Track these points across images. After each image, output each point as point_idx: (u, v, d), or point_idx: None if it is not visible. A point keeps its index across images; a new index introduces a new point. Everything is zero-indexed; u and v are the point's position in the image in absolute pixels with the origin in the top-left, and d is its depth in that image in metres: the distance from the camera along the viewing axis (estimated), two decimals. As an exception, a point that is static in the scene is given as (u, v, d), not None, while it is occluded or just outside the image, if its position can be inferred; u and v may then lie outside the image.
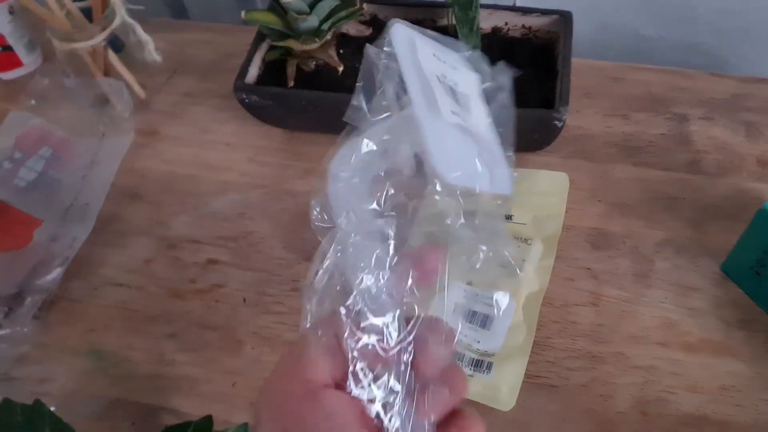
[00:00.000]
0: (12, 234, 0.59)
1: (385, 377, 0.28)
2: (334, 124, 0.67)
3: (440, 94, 0.30)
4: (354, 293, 0.29)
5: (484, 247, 0.31)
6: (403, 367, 0.28)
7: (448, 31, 0.65)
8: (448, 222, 0.30)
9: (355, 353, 0.28)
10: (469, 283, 0.54)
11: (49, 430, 0.44)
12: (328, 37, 0.61)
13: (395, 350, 0.28)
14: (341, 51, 0.65)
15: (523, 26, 0.66)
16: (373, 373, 0.28)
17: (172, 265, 0.59)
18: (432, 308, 0.30)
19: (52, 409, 0.44)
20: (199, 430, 0.43)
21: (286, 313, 0.55)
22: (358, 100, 0.31)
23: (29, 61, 0.74)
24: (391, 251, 0.30)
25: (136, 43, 0.68)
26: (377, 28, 0.67)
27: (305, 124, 0.65)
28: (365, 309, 0.28)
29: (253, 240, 0.60)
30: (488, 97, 0.33)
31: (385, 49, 0.30)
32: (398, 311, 0.29)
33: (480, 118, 0.32)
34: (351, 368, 0.28)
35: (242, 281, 0.58)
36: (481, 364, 0.51)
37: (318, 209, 0.32)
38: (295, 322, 0.55)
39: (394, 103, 0.30)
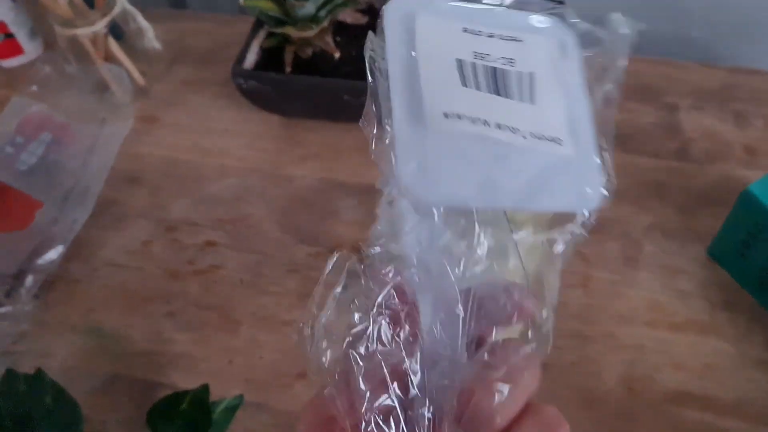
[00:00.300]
0: (13, 215, 0.60)
1: None
2: (331, 110, 0.69)
3: (439, 90, 0.25)
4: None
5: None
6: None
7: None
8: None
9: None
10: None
11: (50, 398, 0.45)
12: (325, 24, 0.63)
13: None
14: (338, 38, 0.66)
15: (517, 15, 0.67)
16: None
17: (171, 246, 0.60)
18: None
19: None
20: (196, 398, 0.45)
21: (282, 294, 0.57)
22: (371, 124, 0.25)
23: (30, 48, 0.75)
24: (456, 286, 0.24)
25: (136, 31, 0.69)
26: (374, 16, 0.68)
27: (302, 110, 0.66)
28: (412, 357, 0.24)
29: (250, 223, 0.61)
30: (590, 72, 0.27)
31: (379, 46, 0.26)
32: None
33: (553, 106, 0.26)
34: None
35: (239, 263, 0.59)
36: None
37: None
38: (290, 302, 0.56)
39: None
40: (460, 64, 0.25)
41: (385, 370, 0.23)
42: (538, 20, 0.27)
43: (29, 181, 0.63)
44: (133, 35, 0.69)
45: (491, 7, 0.28)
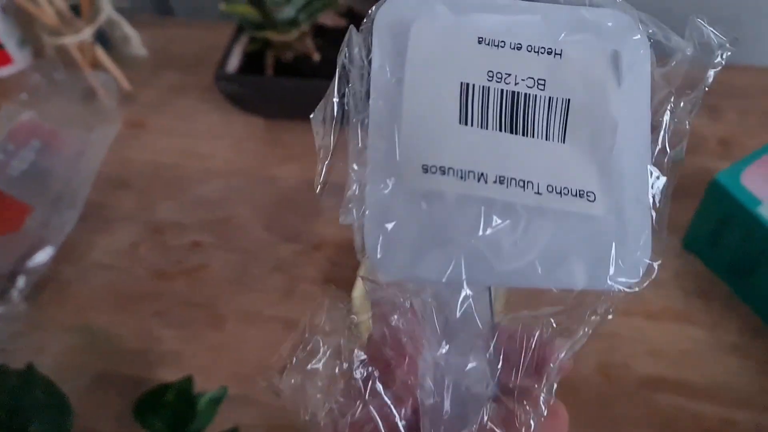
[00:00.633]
0: (5, 219, 0.62)
1: None
2: (312, 111, 0.71)
3: (424, 131, 0.19)
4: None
5: None
6: None
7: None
8: None
9: None
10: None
11: (41, 391, 0.47)
12: (305, 27, 0.64)
13: None
14: (318, 41, 0.68)
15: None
16: None
17: (158, 247, 0.62)
18: None
19: (43, 376, 0.47)
20: (181, 389, 0.46)
21: (267, 291, 0.58)
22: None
23: (20, 58, 0.77)
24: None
25: (122, 38, 0.70)
26: (353, 19, 0.70)
27: (284, 111, 0.68)
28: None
29: (235, 223, 0.63)
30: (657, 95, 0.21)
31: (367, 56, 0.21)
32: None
33: (589, 146, 0.19)
34: None
35: (225, 262, 0.60)
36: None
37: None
38: (274, 299, 0.57)
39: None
40: (466, 90, 0.20)
41: (380, 424, 0.21)
42: (597, 16, 0.20)
43: (20, 186, 0.64)
44: (120, 42, 0.71)
45: (525, 3, 0.21)
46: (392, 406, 0.21)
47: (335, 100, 0.22)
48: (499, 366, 0.22)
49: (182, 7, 0.93)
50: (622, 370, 0.51)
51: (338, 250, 0.60)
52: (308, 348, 0.24)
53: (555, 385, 0.23)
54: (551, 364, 0.22)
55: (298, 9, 0.62)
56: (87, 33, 0.66)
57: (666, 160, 0.22)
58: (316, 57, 0.66)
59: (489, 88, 0.20)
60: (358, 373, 0.22)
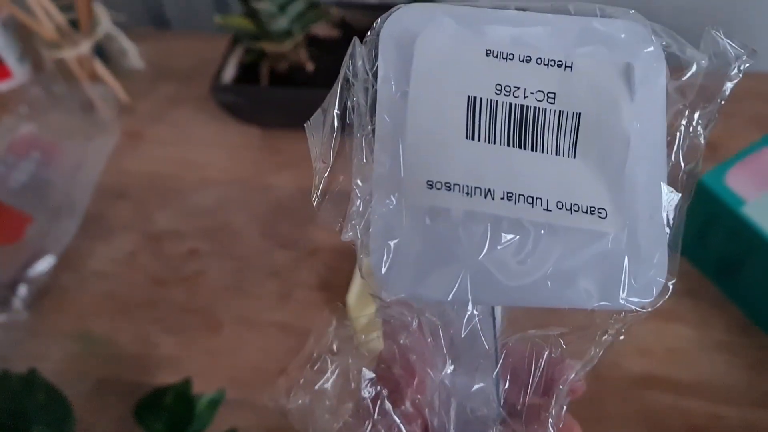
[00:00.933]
0: (6, 229, 0.63)
1: None
2: (305, 120, 0.72)
3: (428, 146, 0.19)
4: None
5: None
6: None
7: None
8: None
9: None
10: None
11: (43, 395, 0.48)
12: (299, 38, 0.66)
13: None
14: (311, 52, 0.69)
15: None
16: None
17: (156, 255, 0.63)
18: None
19: (44, 381, 0.48)
20: (179, 391, 0.47)
21: (263, 296, 0.59)
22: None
23: (19, 72, 0.78)
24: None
25: (120, 51, 0.72)
26: (346, 30, 0.72)
27: (279, 121, 0.69)
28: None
29: (231, 230, 0.64)
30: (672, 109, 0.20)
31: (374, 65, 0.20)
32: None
33: (602, 161, 0.19)
34: None
35: (222, 268, 0.61)
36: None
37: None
38: (270, 304, 0.58)
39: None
40: (473, 104, 0.19)
41: None
42: (610, 28, 0.20)
43: (20, 197, 0.66)
44: (117, 55, 0.72)
45: (534, 15, 0.20)
46: (401, 426, 0.21)
47: (336, 112, 0.22)
48: (506, 387, 0.21)
49: (178, 20, 0.95)
50: (612, 369, 0.53)
51: (333, 256, 0.61)
52: (316, 368, 0.23)
53: (565, 408, 0.22)
54: (560, 386, 0.22)
55: (292, 20, 0.64)
56: (85, 47, 0.67)
57: (680, 175, 0.21)
58: (310, 67, 0.67)
59: (497, 101, 0.19)
60: (367, 392, 0.21)
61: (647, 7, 0.90)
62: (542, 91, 0.19)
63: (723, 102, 0.21)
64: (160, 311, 0.59)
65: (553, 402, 0.22)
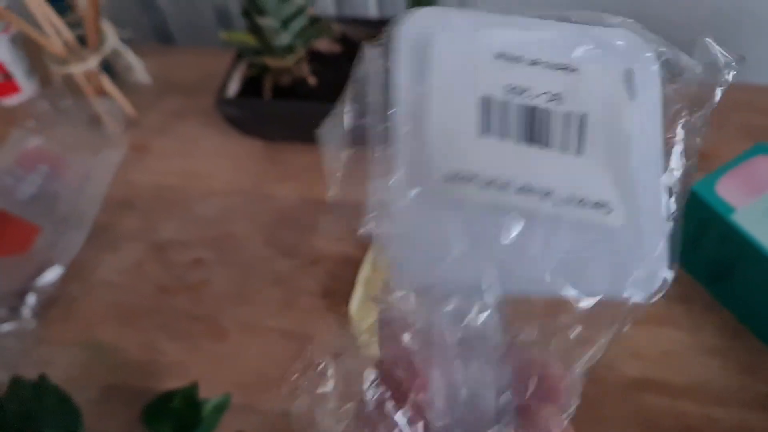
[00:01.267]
0: (14, 240, 0.64)
1: None
2: (308, 132, 0.74)
3: (446, 142, 0.20)
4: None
5: None
6: None
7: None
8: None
9: None
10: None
11: (53, 400, 0.49)
12: (301, 53, 0.68)
13: None
14: (313, 66, 0.71)
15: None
16: None
17: (162, 265, 0.64)
18: None
19: (54, 386, 0.49)
20: (186, 395, 0.48)
21: (266, 303, 0.60)
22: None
23: (27, 87, 0.80)
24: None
25: (126, 67, 0.74)
26: (347, 45, 0.74)
27: (282, 133, 0.71)
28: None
29: (235, 240, 0.65)
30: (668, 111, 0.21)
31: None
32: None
33: (607, 159, 0.20)
34: None
35: (226, 277, 0.63)
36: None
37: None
38: (274, 312, 0.60)
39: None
40: (487, 103, 0.20)
41: None
42: (610, 36, 0.21)
43: (29, 208, 0.67)
44: (124, 70, 0.74)
45: (540, 21, 0.22)
46: (403, 428, 0.21)
47: (347, 111, 0.23)
48: (512, 384, 0.22)
49: (182, 36, 0.97)
50: (608, 372, 0.54)
51: (335, 265, 0.62)
52: (317, 371, 0.23)
53: (572, 409, 0.23)
54: (564, 388, 0.22)
55: (295, 36, 0.66)
56: (93, 62, 0.69)
57: (678, 173, 0.22)
58: (312, 81, 0.69)
59: (507, 102, 0.20)
60: (369, 394, 0.21)
61: (641, 22, 0.93)
62: (549, 93, 0.21)
63: (714, 107, 0.23)
64: (166, 319, 0.60)
65: (558, 403, 0.23)
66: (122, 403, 0.56)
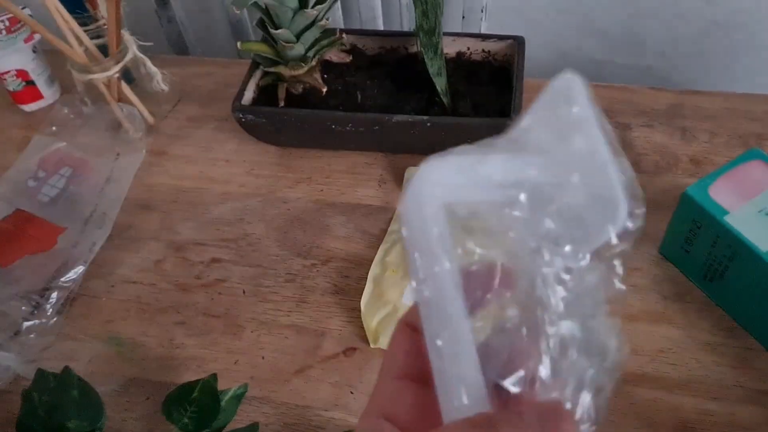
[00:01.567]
0: (38, 240, 0.67)
1: None
2: (320, 138, 0.78)
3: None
4: None
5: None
6: None
7: (418, 58, 0.75)
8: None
9: None
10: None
11: (77, 392, 0.51)
12: (313, 63, 0.71)
13: None
14: (325, 76, 0.74)
15: (483, 50, 0.75)
16: None
17: (180, 264, 0.67)
18: None
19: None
20: (206, 385, 0.51)
21: (280, 301, 0.63)
22: None
23: (49, 94, 0.83)
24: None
25: (145, 75, 0.77)
26: (357, 55, 0.77)
27: (295, 140, 0.74)
28: None
29: (251, 240, 0.68)
30: None
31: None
32: None
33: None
34: None
35: (242, 276, 0.65)
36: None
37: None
38: (288, 308, 0.62)
39: None
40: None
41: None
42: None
43: (51, 210, 0.70)
44: (143, 79, 0.77)
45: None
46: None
47: None
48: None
49: (197, 48, 1.00)
50: (606, 367, 0.56)
51: (347, 264, 0.65)
52: None
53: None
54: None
55: (307, 47, 0.69)
56: (114, 70, 0.72)
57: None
58: (324, 89, 0.72)
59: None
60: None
61: (635, 38, 0.96)
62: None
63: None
64: (184, 315, 0.63)
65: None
66: (142, 396, 0.58)
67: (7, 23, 0.78)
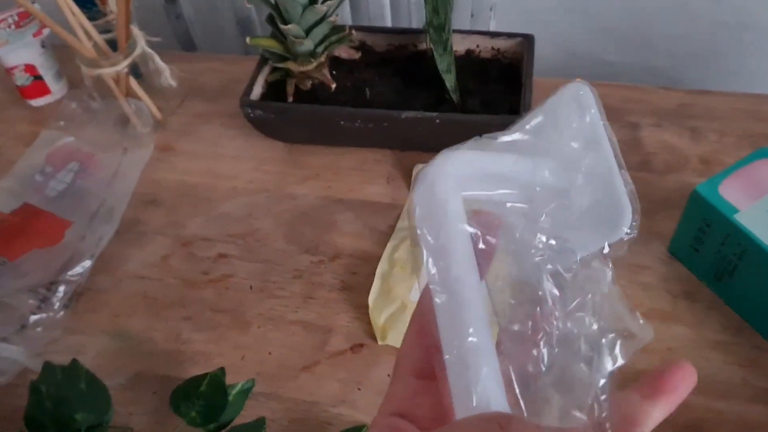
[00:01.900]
0: (45, 234, 0.67)
1: None
2: (328, 135, 0.77)
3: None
4: None
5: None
6: None
7: (426, 55, 0.75)
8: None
9: None
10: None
11: (84, 384, 0.51)
12: (322, 59, 0.71)
13: None
14: (334, 72, 0.74)
15: (493, 48, 0.75)
16: None
17: (187, 259, 0.67)
18: None
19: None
20: (214, 379, 0.51)
21: (287, 297, 0.63)
22: None
23: (56, 89, 0.83)
24: None
25: (154, 71, 0.77)
26: (365, 52, 0.77)
27: (303, 136, 0.74)
28: None
29: (258, 236, 0.68)
30: None
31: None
32: None
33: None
34: None
35: (249, 271, 0.65)
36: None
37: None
38: (295, 304, 0.62)
39: None
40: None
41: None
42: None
43: (59, 204, 0.70)
44: (151, 74, 0.77)
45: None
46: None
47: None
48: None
49: (205, 44, 1.00)
50: (615, 365, 0.56)
51: (354, 261, 0.65)
52: None
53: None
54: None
55: (317, 43, 0.69)
56: (123, 65, 0.72)
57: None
58: (333, 85, 0.72)
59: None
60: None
61: (643, 37, 0.96)
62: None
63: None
64: (191, 311, 0.63)
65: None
66: (149, 391, 0.58)
67: (16, 18, 0.78)
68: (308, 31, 0.67)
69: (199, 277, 0.65)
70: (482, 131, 0.28)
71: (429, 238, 0.25)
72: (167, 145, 0.77)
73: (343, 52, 0.75)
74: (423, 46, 0.76)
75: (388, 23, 0.92)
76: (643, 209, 0.70)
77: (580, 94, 0.28)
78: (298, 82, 0.72)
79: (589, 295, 0.26)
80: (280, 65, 0.70)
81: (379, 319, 0.59)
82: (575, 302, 0.26)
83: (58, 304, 0.63)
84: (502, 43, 0.74)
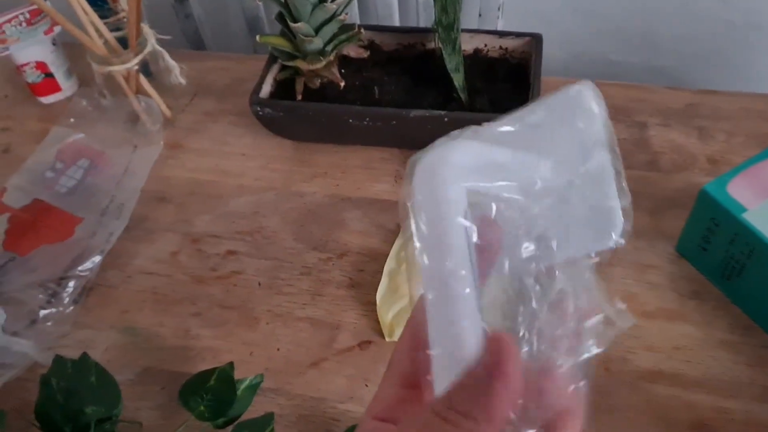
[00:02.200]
0: (55, 229, 0.67)
1: None
2: (337, 133, 0.78)
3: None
4: None
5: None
6: None
7: (435, 54, 0.75)
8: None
9: None
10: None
11: (95, 378, 0.52)
12: (331, 57, 0.71)
13: None
14: (343, 71, 0.74)
15: (500, 47, 0.75)
16: None
17: (196, 256, 0.67)
18: None
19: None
20: (223, 373, 0.51)
21: (295, 294, 0.63)
22: None
23: (67, 86, 0.84)
24: None
25: (164, 69, 0.77)
26: (374, 51, 0.77)
27: (311, 134, 0.74)
28: None
29: (266, 233, 0.68)
30: None
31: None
32: None
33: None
34: None
35: (257, 268, 0.66)
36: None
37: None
38: (303, 300, 0.63)
39: None
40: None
41: None
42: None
43: (69, 200, 0.71)
44: (161, 72, 0.77)
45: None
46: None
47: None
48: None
49: (214, 43, 1.01)
50: (621, 364, 0.56)
51: (362, 258, 0.65)
52: None
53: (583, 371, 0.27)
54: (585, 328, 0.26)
55: (326, 41, 0.69)
56: (133, 62, 0.73)
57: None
58: (341, 84, 0.72)
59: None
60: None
61: (650, 37, 0.96)
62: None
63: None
64: (200, 307, 0.63)
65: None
66: (157, 386, 0.58)
67: (27, 15, 0.79)
68: (317, 30, 0.67)
69: (207, 274, 0.66)
70: (490, 130, 0.28)
71: (424, 227, 0.25)
72: (176, 143, 0.78)
73: (352, 50, 0.75)
74: (431, 45, 0.76)
75: (396, 23, 0.92)
76: (651, 208, 0.70)
77: (583, 95, 0.28)
78: (307, 80, 0.72)
79: (570, 285, 0.27)
80: (289, 63, 0.71)
81: (386, 316, 0.60)
82: (556, 291, 0.26)
83: (68, 299, 0.63)
84: (510, 43, 0.75)
